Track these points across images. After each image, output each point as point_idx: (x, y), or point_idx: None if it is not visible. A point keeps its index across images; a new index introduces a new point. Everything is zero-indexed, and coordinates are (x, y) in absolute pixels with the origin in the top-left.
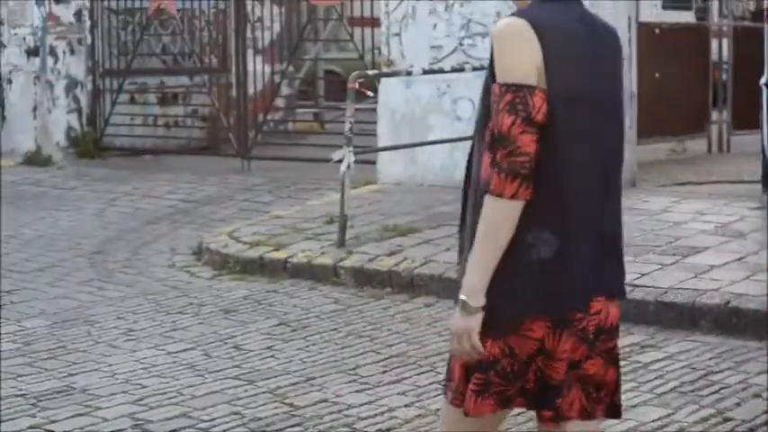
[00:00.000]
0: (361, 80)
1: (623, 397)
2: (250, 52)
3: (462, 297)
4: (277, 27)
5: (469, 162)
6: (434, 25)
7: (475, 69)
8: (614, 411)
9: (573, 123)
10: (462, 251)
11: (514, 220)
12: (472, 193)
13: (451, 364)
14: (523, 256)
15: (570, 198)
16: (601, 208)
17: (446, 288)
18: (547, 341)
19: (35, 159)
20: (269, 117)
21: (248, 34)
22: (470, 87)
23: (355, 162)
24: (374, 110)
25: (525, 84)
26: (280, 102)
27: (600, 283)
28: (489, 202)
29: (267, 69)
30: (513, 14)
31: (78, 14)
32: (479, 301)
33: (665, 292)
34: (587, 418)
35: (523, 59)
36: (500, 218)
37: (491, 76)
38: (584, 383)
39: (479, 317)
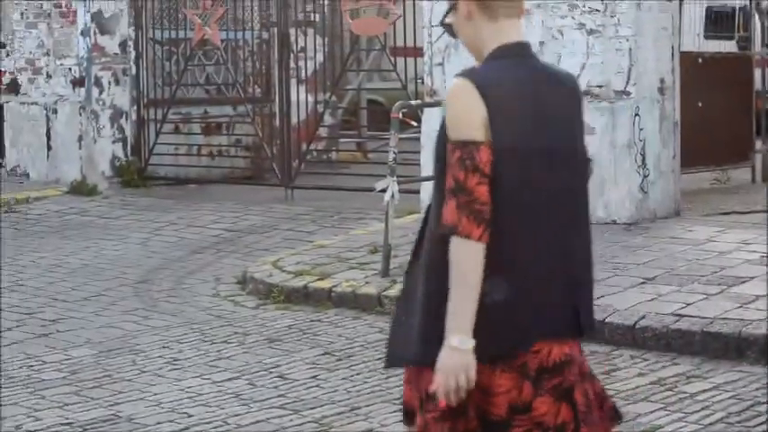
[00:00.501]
0: (404, 110)
1: (669, 428)
2: (293, 82)
3: (455, 336)
4: (320, 57)
5: (427, 213)
6: None
7: None
8: (615, 416)
9: (520, 173)
10: (405, 293)
11: (482, 259)
12: (433, 241)
13: (407, 400)
14: (484, 300)
15: (522, 244)
16: (563, 252)
17: None
18: (482, 376)
19: (80, 189)
20: (312, 146)
21: (291, 64)
22: None
23: (399, 191)
24: (417, 139)
25: (471, 140)
26: (323, 131)
27: (549, 325)
28: (459, 244)
29: (310, 99)
30: (460, 75)
31: (123, 45)
32: (469, 343)
33: (711, 322)
34: None
35: (469, 118)
36: (471, 259)
37: (444, 133)
38: (543, 428)
39: (472, 355)
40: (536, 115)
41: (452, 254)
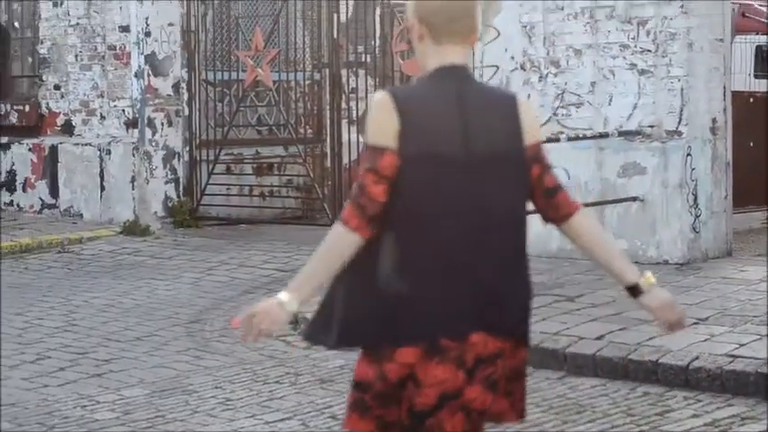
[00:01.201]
0: None
1: None
2: (345, 122)
3: (281, 295)
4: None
5: None
6: (528, 95)
7: (570, 139)
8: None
9: (429, 182)
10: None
11: (348, 248)
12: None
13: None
14: (387, 291)
15: (430, 246)
16: (474, 256)
17: (543, 358)
18: (418, 368)
19: (133, 229)
20: None
21: (343, 105)
22: (565, 157)
23: None
24: None
25: (378, 145)
26: None
27: (479, 319)
28: (336, 226)
29: (361, 139)
30: (385, 89)
31: (176, 87)
32: (292, 303)
33: (765, 363)
34: None
35: (381, 127)
36: (337, 242)
37: None
38: (467, 411)
39: (285, 313)
40: (452, 128)
41: (329, 233)
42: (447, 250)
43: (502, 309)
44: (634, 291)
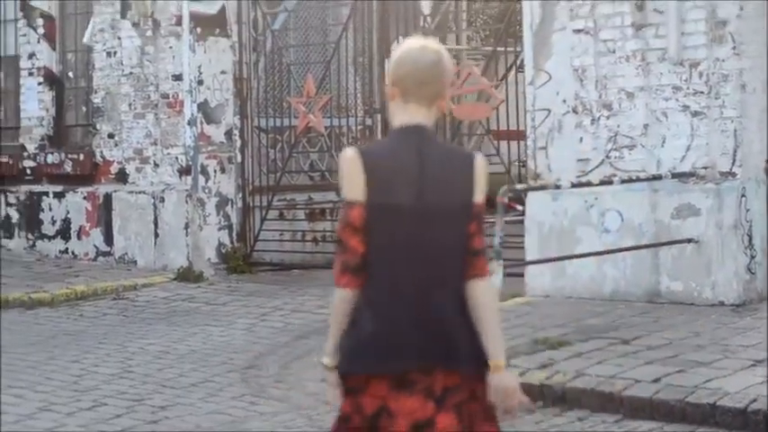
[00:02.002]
0: (510, 194)
1: None
2: None
3: (323, 360)
4: None
5: None
6: (581, 138)
7: (623, 182)
8: None
9: (389, 229)
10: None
11: (344, 304)
12: None
13: None
14: (358, 330)
15: (385, 287)
16: (425, 297)
17: (599, 402)
18: (389, 400)
19: (187, 275)
20: None
21: None
22: (618, 199)
23: (504, 275)
24: (520, 222)
25: (351, 200)
26: None
27: (437, 354)
28: (336, 290)
29: None
30: (353, 147)
31: (229, 134)
32: (328, 362)
33: None
34: None
35: (350, 182)
36: (339, 304)
37: None
38: None
39: (333, 374)
40: (410, 182)
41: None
42: (411, 296)
43: (460, 345)
44: (491, 367)
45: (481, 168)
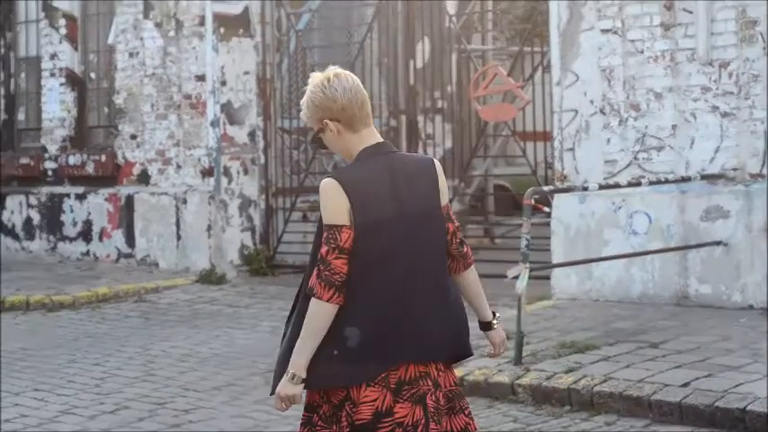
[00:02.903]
0: (536, 196)
1: None
2: None
3: (291, 371)
4: (448, 143)
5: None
6: (608, 140)
7: (651, 183)
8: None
9: (374, 248)
10: (284, 335)
11: (329, 317)
12: (302, 297)
13: None
14: (340, 344)
15: (379, 296)
16: (416, 301)
17: (627, 406)
18: (352, 392)
19: (209, 278)
20: None
21: (419, 151)
22: (646, 201)
23: (530, 278)
24: (546, 224)
25: (336, 224)
26: None
27: (402, 354)
28: (313, 303)
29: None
30: (329, 175)
31: (252, 135)
32: (303, 374)
33: None
34: None
35: (335, 207)
36: (319, 315)
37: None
38: (402, 427)
39: (301, 386)
40: (388, 197)
41: (309, 309)
42: (396, 310)
43: (428, 340)
44: (486, 326)
45: (441, 173)
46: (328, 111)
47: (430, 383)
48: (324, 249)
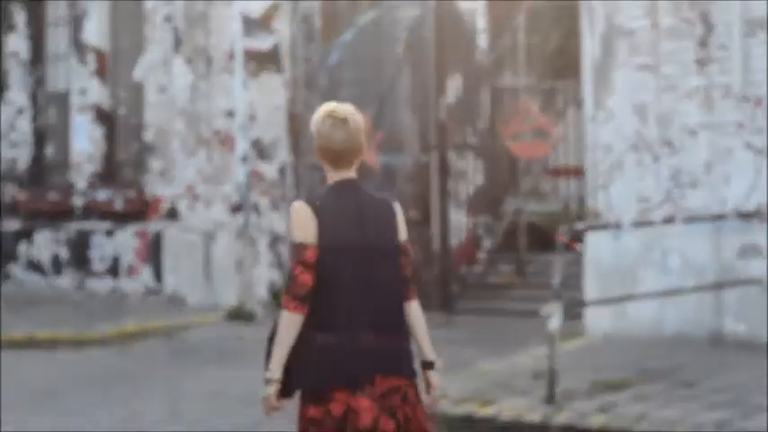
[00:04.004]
0: (570, 234)
1: None
2: (452, 205)
3: (267, 375)
4: (478, 180)
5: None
6: (642, 176)
7: (686, 221)
8: None
9: (337, 264)
10: (267, 353)
11: (295, 325)
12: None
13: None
14: (314, 351)
15: (340, 312)
16: (372, 317)
17: None
18: (351, 402)
19: (238, 314)
20: (471, 270)
21: (450, 187)
22: (681, 238)
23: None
24: (578, 261)
25: (302, 242)
26: (481, 254)
27: (379, 365)
28: (282, 313)
29: (468, 222)
30: (300, 200)
31: (282, 171)
32: (275, 375)
33: None
34: None
35: (303, 227)
36: (284, 323)
37: None
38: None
39: (275, 386)
40: (352, 224)
41: (280, 318)
42: (360, 319)
43: (394, 356)
44: (426, 365)
45: (400, 213)
46: (316, 145)
47: (398, 398)
48: (291, 264)
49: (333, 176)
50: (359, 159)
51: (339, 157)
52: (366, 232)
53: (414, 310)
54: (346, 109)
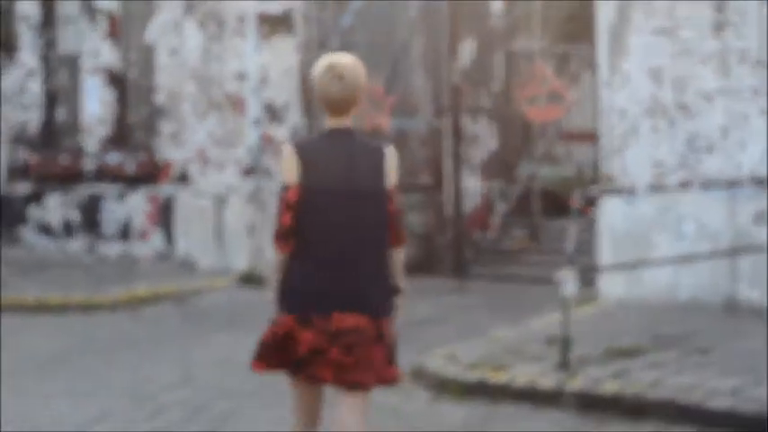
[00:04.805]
0: (583, 198)
1: None
2: (465, 169)
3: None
4: (492, 144)
5: None
6: (657, 141)
7: (701, 186)
8: (388, 381)
9: (317, 205)
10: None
11: (280, 262)
12: None
13: None
14: (285, 282)
15: (315, 250)
16: (347, 262)
17: (676, 413)
18: (294, 329)
19: (250, 278)
20: (484, 235)
21: (463, 151)
22: (696, 204)
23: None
24: (592, 226)
25: (287, 184)
26: (494, 219)
27: (338, 303)
28: (273, 251)
29: (482, 187)
30: (289, 143)
31: (294, 134)
32: (270, 295)
33: None
34: (340, 383)
35: (287, 169)
36: (274, 261)
37: None
38: (333, 365)
39: (269, 294)
40: (338, 167)
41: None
42: (328, 255)
43: (359, 296)
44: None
45: (391, 159)
46: (316, 93)
47: (360, 335)
48: (279, 205)
49: (329, 123)
50: (356, 108)
51: (334, 105)
52: (352, 175)
53: (398, 255)
54: (345, 63)
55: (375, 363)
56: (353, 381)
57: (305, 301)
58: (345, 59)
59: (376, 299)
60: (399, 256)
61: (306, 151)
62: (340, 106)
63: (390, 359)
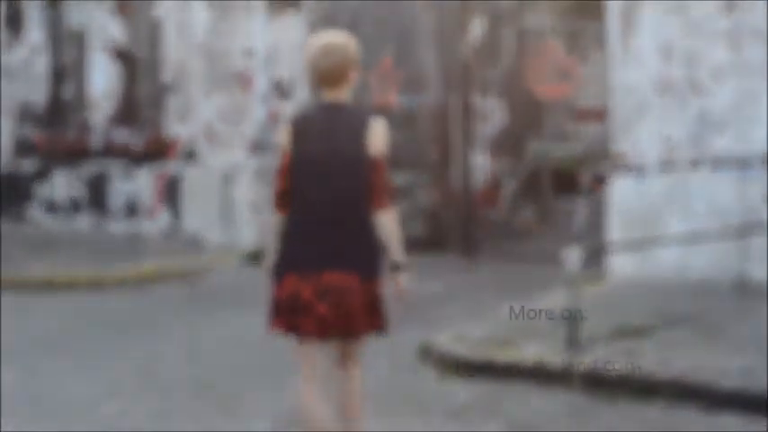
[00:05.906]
0: (593, 176)
1: None
2: (473, 146)
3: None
4: (501, 121)
5: None
6: (667, 119)
7: (711, 164)
8: (378, 329)
9: (302, 171)
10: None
11: (277, 223)
12: None
13: None
14: (282, 243)
15: (302, 212)
16: (329, 223)
17: (685, 392)
18: (298, 285)
19: (257, 256)
20: (492, 213)
21: (472, 129)
22: (706, 182)
23: (585, 258)
24: (602, 204)
25: (282, 151)
26: (503, 197)
27: (328, 263)
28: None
29: (490, 164)
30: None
31: None
32: (268, 263)
33: None
34: (322, 336)
35: (282, 138)
36: (275, 223)
37: None
38: (316, 318)
39: (268, 263)
40: (320, 135)
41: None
42: (312, 216)
43: (345, 257)
44: (394, 267)
45: (375, 127)
46: (307, 66)
47: (341, 294)
48: (275, 170)
49: (323, 96)
50: (347, 82)
51: (323, 79)
52: (332, 142)
53: (382, 218)
54: (333, 38)
55: (360, 316)
56: (339, 335)
57: (300, 259)
58: (335, 36)
59: (361, 257)
60: (387, 220)
61: (297, 122)
62: (328, 80)
63: (376, 312)
